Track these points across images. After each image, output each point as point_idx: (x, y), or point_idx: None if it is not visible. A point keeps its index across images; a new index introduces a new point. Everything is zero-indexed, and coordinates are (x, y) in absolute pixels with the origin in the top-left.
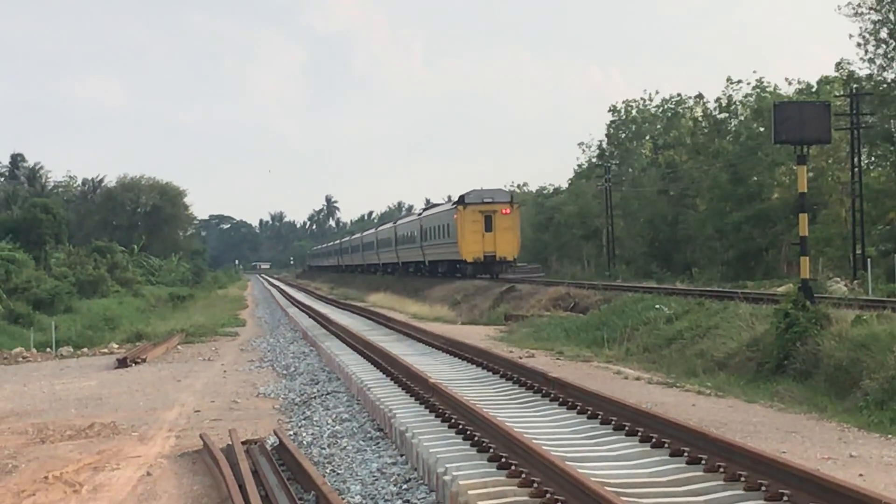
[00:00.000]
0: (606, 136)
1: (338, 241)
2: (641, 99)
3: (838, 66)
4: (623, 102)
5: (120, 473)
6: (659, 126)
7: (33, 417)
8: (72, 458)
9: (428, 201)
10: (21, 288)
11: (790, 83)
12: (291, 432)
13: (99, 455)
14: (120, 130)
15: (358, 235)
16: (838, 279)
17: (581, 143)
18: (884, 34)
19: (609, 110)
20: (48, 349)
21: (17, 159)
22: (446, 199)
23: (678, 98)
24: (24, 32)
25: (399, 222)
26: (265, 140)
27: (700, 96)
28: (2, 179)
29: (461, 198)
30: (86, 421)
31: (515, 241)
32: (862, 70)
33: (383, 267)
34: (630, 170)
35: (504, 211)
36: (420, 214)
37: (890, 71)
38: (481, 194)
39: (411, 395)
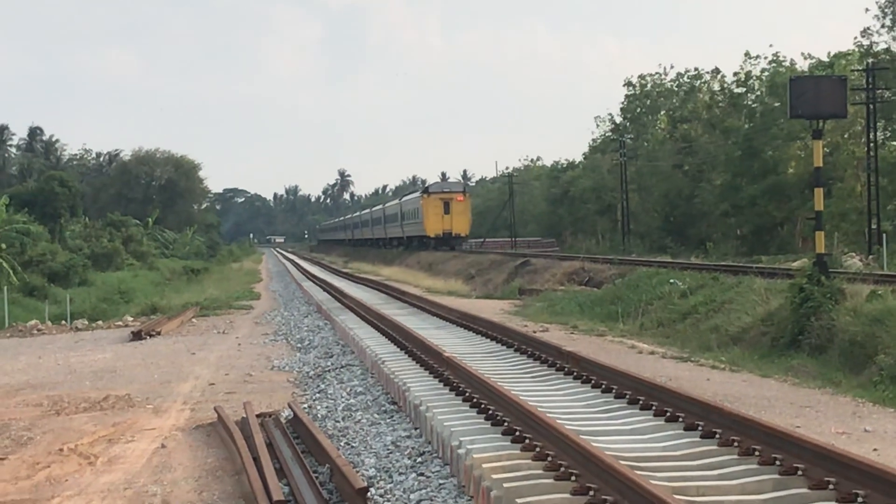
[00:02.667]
0: (621, 109)
1: (342, 218)
2: (657, 73)
3: (863, 33)
4: (638, 77)
5: (135, 446)
6: (675, 100)
7: (48, 390)
8: (87, 430)
9: (443, 174)
10: (36, 260)
11: (806, 58)
12: (306, 405)
13: (114, 427)
14: (135, 104)
15: (358, 214)
16: (853, 254)
17: (596, 117)
18: None
19: (624, 84)
20: (63, 322)
21: (35, 132)
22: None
23: (695, 72)
24: (41, 6)
25: (387, 205)
26: (280, 113)
27: (717, 70)
28: (18, 152)
29: (426, 188)
30: (100, 393)
31: (467, 221)
32: (879, 44)
33: (376, 241)
34: (645, 144)
35: (458, 199)
36: (400, 199)
37: None
38: (441, 186)
39: (425, 369)
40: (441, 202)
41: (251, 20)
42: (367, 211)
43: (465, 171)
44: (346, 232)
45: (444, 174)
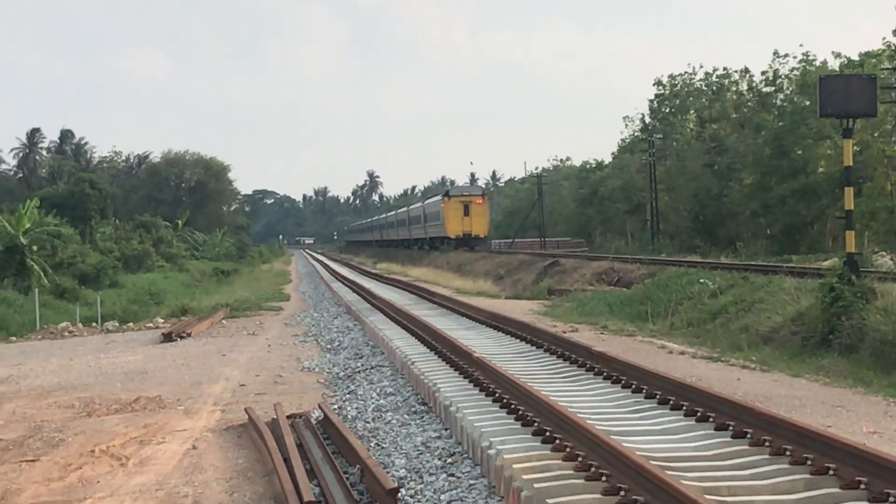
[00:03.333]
0: (650, 109)
1: (368, 220)
2: (685, 73)
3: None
4: (668, 76)
5: (166, 447)
6: (704, 100)
7: (80, 391)
8: (118, 431)
9: (472, 175)
10: (67, 263)
11: (836, 56)
12: (336, 406)
13: (145, 429)
14: (165, 105)
15: (384, 216)
16: (884, 253)
17: (625, 117)
18: None
19: (654, 84)
20: (94, 324)
21: (66, 135)
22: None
23: (723, 72)
24: (71, 8)
25: (411, 207)
26: (309, 114)
27: (746, 70)
28: (48, 155)
29: (447, 192)
30: (131, 395)
31: (486, 223)
32: None
33: (400, 242)
34: (674, 143)
35: (478, 202)
36: (423, 202)
37: None
38: (461, 189)
39: (455, 370)
40: (461, 205)
41: (280, 21)
42: (393, 213)
43: (493, 172)
44: (373, 233)
45: (472, 175)
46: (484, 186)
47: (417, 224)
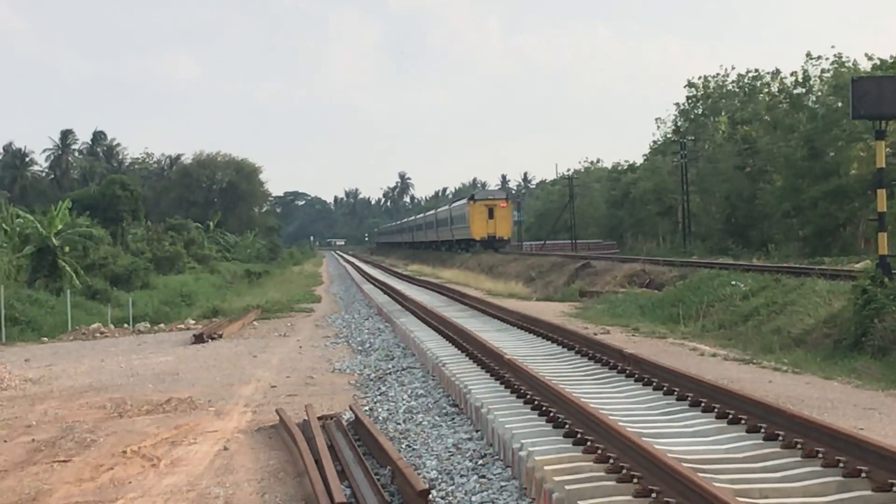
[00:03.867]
0: (681, 111)
1: (398, 223)
2: (717, 74)
3: None
4: (701, 78)
5: (197, 448)
6: (736, 101)
7: (111, 392)
8: (149, 432)
9: (503, 177)
10: (98, 264)
11: (869, 58)
12: (367, 408)
13: (176, 429)
14: (197, 107)
15: (413, 218)
16: None
17: (657, 119)
18: None
19: (686, 85)
20: (125, 325)
21: (98, 137)
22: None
23: (755, 73)
24: (103, 10)
25: (438, 210)
26: (341, 116)
27: (777, 71)
28: (80, 156)
29: (472, 196)
30: (163, 396)
31: (509, 226)
32: None
33: (429, 244)
34: (706, 145)
35: (501, 205)
36: (450, 206)
37: None
38: (486, 193)
39: (486, 371)
40: (486, 208)
41: (312, 23)
42: (421, 216)
43: (525, 174)
44: (402, 235)
45: (504, 177)
46: (507, 190)
47: (445, 226)
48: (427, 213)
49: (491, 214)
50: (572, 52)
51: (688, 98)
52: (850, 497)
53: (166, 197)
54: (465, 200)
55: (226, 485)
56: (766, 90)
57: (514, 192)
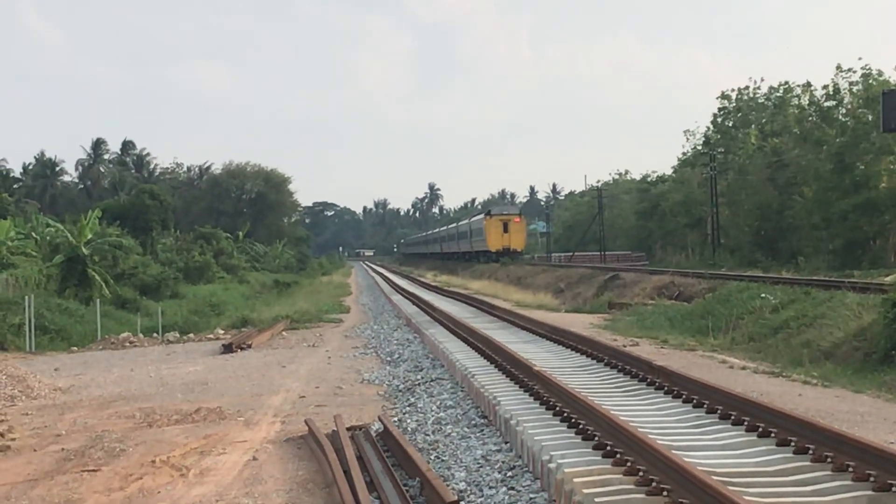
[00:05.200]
0: (712, 123)
1: (423, 234)
2: (747, 87)
3: None
4: (735, 90)
5: (226, 458)
6: (765, 114)
7: (140, 402)
8: (178, 442)
9: (532, 189)
10: (128, 273)
11: None
12: (396, 419)
13: (205, 439)
14: (226, 117)
15: (436, 231)
16: None
17: (686, 131)
18: None
19: (718, 97)
20: (154, 334)
21: (128, 146)
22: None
23: (786, 85)
24: (134, 20)
25: (459, 224)
26: (370, 126)
27: (808, 84)
28: (111, 166)
29: (488, 211)
30: (192, 406)
31: (523, 239)
32: None
33: (451, 255)
34: (735, 158)
35: (515, 220)
36: (469, 220)
37: None
38: (501, 209)
39: (515, 383)
40: (501, 223)
41: (342, 34)
42: (444, 228)
43: (553, 185)
44: (428, 246)
45: (532, 188)
46: (518, 206)
47: (465, 239)
48: (449, 227)
49: (506, 228)
50: (602, 63)
51: (719, 109)
52: None
53: (196, 207)
54: (482, 216)
55: (254, 495)
56: (796, 102)
57: (542, 203)
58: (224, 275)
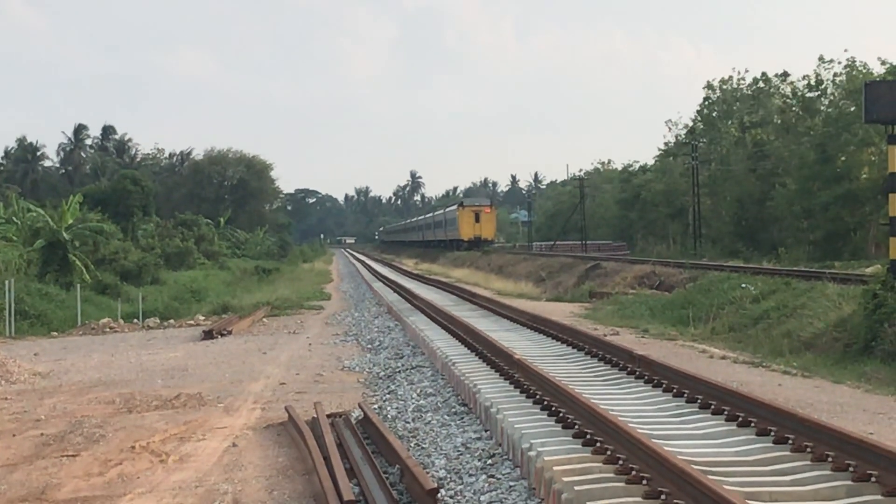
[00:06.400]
0: (697, 112)
1: (402, 223)
2: (734, 77)
3: None
4: (720, 80)
5: (206, 444)
6: (749, 105)
7: (120, 387)
8: (158, 428)
9: (513, 177)
10: (109, 259)
11: (882, 63)
12: (376, 406)
13: (185, 426)
14: (208, 103)
15: (413, 220)
16: None
17: (668, 121)
18: None
19: (704, 87)
20: (135, 320)
21: (107, 131)
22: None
23: (764, 77)
24: (117, 5)
25: (434, 214)
26: (353, 114)
27: (785, 74)
28: (92, 151)
29: (461, 202)
30: (172, 392)
31: (493, 228)
32: None
33: (426, 242)
34: (718, 148)
35: (486, 210)
36: (445, 211)
37: None
38: (473, 201)
39: (496, 371)
40: (473, 213)
41: (326, 20)
42: (422, 218)
43: (536, 174)
44: (406, 234)
45: (514, 176)
46: (490, 198)
47: (440, 228)
48: (426, 216)
49: (477, 219)
50: (585, 53)
51: (704, 99)
52: (859, 501)
53: (177, 193)
54: (455, 206)
55: (234, 481)
56: (776, 93)
57: (524, 192)
58: (205, 261)
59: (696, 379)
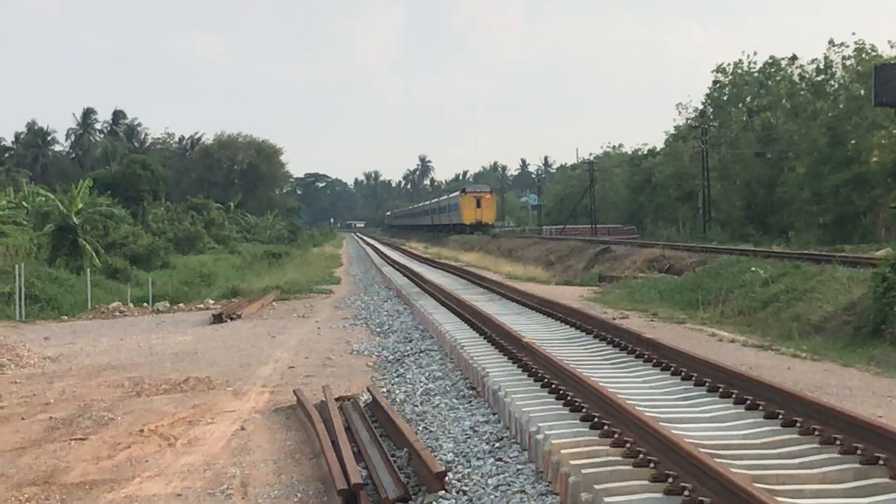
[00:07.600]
0: (707, 97)
1: (409, 208)
2: (743, 60)
3: None
4: (733, 63)
5: (214, 427)
6: (758, 88)
7: (129, 371)
8: (167, 411)
9: (523, 161)
10: (119, 243)
11: (892, 46)
12: (384, 389)
13: (194, 409)
14: (218, 88)
15: (420, 205)
16: None
17: (678, 104)
18: None
19: (714, 70)
20: (145, 304)
21: (118, 116)
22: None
23: (772, 60)
24: None
25: (439, 200)
26: (363, 99)
27: (794, 58)
28: (102, 136)
29: (463, 189)
30: (181, 375)
31: (493, 213)
32: None
33: (432, 227)
34: (728, 132)
35: (487, 197)
36: (448, 197)
37: None
38: (475, 187)
39: (504, 354)
40: (474, 199)
41: (336, 5)
42: (428, 203)
43: (545, 158)
44: (411, 219)
45: (524, 161)
46: (490, 185)
47: (444, 213)
48: (431, 202)
49: (479, 204)
50: (595, 36)
51: (714, 83)
52: (867, 484)
53: (187, 177)
54: (458, 193)
55: (242, 465)
56: (782, 76)
57: (533, 176)
58: (215, 245)
59: (704, 362)
